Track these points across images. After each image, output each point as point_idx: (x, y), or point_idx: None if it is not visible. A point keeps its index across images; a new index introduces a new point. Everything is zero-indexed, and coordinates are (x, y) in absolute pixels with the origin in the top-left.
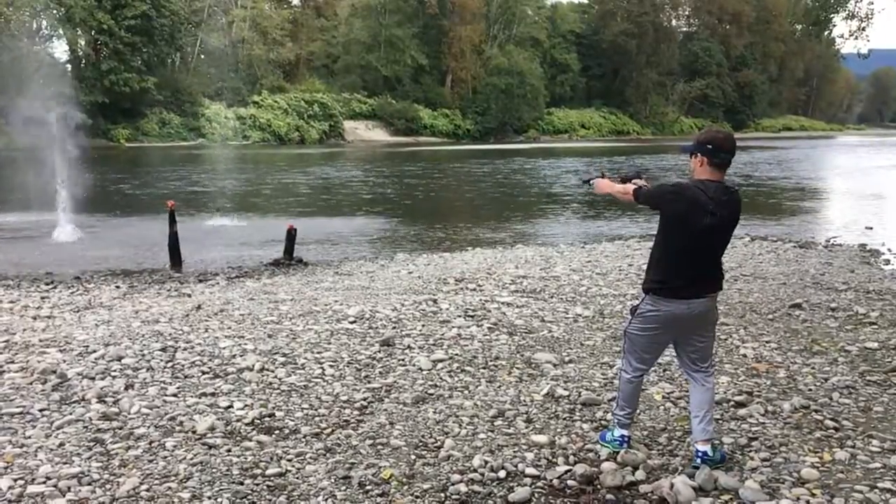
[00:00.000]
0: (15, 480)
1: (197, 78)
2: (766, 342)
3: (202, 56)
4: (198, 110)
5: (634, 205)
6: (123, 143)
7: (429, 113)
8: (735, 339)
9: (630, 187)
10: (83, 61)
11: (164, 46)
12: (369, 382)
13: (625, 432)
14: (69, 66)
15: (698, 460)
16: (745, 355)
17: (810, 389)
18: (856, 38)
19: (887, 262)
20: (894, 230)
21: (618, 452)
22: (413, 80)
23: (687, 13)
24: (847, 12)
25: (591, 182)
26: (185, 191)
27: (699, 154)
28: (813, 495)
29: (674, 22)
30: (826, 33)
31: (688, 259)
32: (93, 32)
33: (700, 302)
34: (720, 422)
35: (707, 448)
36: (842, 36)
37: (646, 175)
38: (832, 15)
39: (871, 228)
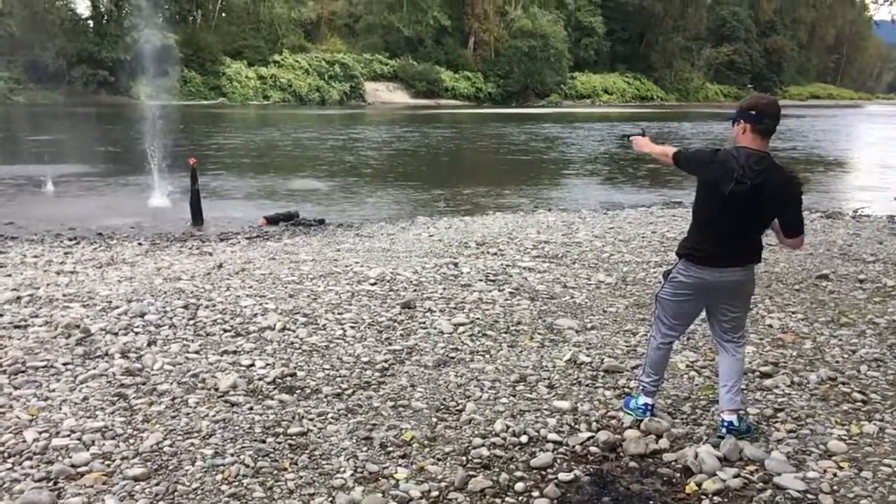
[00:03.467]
0: (40, 433)
1: (218, 36)
2: (793, 313)
3: (224, 14)
4: (219, 69)
5: (670, 167)
6: (145, 100)
7: (450, 75)
8: (761, 308)
9: (669, 149)
10: (105, 17)
11: (185, 3)
12: (390, 344)
13: (649, 400)
14: (91, 23)
15: (724, 430)
16: (770, 325)
17: (837, 361)
18: (891, 3)
19: None
20: None
21: (641, 420)
22: (435, 41)
23: None
24: None
25: (629, 139)
26: (207, 149)
27: (742, 120)
28: (840, 468)
29: None
30: None
31: (716, 226)
32: None
33: (732, 271)
34: (745, 392)
35: (733, 418)
36: (876, 1)
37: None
38: None
39: None
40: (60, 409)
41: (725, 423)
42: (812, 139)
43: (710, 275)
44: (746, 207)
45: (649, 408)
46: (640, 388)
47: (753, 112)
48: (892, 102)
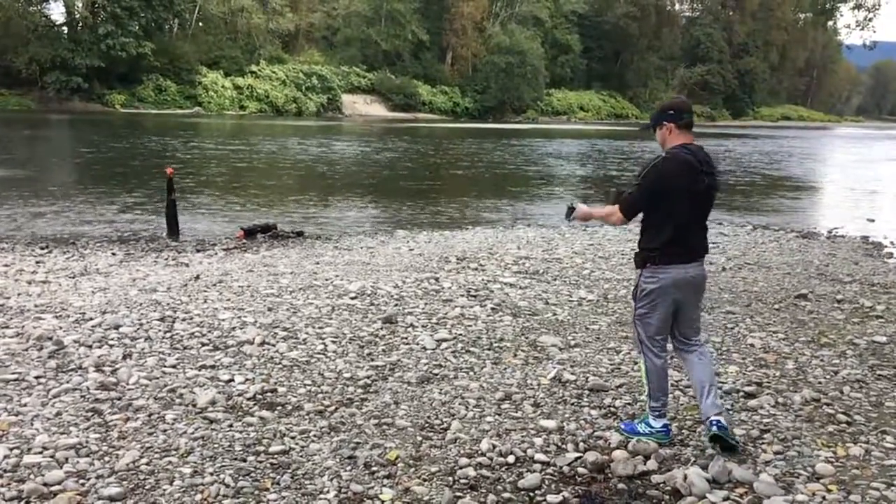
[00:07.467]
0: (11, 450)
1: (195, 45)
2: (773, 332)
3: (200, 23)
4: (195, 78)
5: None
6: (119, 108)
7: (428, 89)
8: (742, 328)
9: (613, 207)
10: (80, 24)
11: (162, 12)
12: (372, 360)
13: (665, 421)
14: (66, 29)
15: (714, 428)
16: (752, 345)
17: (820, 382)
18: (862, 28)
19: (890, 255)
20: None
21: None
22: (413, 55)
23: None
24: (855, 2)
25: (573, 210)
26: (182, 159)
27: (665, 122)
28: (829, 491)
29: (677, 6)
30: (831, 23)
31: (686, 224)
32: None
33: (694, 266)
34: (730, 412)
35: (721, 418)
36: (847, 26)
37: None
38: (839, 4)
39: (873, 221)
40: (32, 424)
41: (715, 423)
42: (786, 159)
43: (676, 272)
44: (709, 200)
45: (669, 428)
46: (655, 412)
47: (672, 111)
48: (860, 125)
